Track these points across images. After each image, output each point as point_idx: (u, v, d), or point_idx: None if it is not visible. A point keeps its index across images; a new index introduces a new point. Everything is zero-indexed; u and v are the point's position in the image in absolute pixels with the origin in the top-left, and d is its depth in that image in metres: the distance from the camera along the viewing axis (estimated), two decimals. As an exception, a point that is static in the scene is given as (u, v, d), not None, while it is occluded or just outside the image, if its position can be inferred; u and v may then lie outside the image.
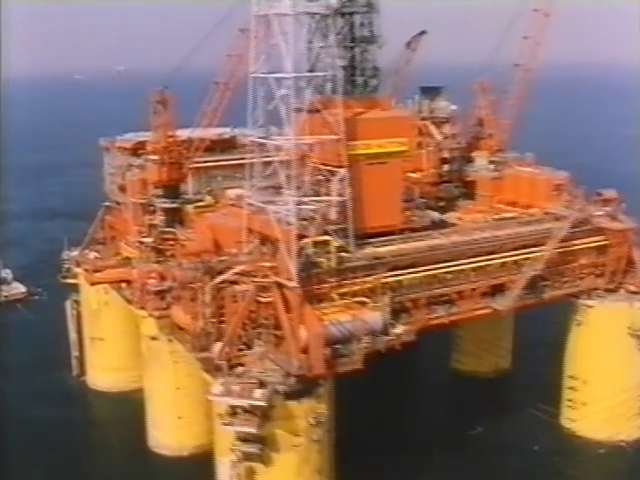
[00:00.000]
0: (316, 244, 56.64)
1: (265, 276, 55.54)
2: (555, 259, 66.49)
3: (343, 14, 61.00)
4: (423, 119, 77.91)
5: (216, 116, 70.82)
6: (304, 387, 54.11)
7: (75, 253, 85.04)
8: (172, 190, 69.19)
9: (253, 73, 57.81)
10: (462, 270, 62.79)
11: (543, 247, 65.48)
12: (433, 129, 77.85)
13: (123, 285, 72.62)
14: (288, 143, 55.50)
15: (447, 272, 62.01)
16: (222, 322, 58.78)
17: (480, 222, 69.92)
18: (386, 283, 58.73)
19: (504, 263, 64.71)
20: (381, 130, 59.91)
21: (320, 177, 58.73)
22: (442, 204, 74.25)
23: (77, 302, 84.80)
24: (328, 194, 58.12)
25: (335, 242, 57.35)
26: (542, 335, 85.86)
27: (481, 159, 78.56)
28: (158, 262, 67.86)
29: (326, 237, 57.06)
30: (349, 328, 55.52)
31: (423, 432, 73.53)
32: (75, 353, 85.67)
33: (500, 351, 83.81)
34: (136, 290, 66.79)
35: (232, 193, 76.87)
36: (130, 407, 78.04)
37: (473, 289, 63.49)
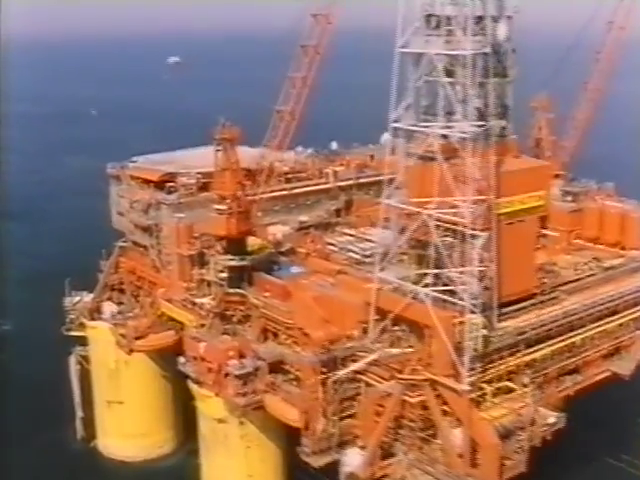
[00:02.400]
0: (460, 324, 47.49)
1: (414, 371, 46.09)
2: (668, 310, 60.26)
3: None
4: None
5: (282, 149, 60.15)
6: (469, 503, 45.65)
7: (78, 298, 72.24)
8: (238, 244, 57.70)
9: (395, 122, 47.28)
10: (589, 334, 55.72)
11: (661, 299, 59.16)
12: None
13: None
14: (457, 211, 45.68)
15: (579, 339, 54.73)
16: (343, 419, 49.35)
17: (582, 268, 62.24)
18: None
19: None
20: (523, 184, 50.93)
21: (452, 240, 49.07)
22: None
23: (84, 357, 72.09)
24: (468, 262, 48.77)
25: (478, 320, 48.43)
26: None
27: (551, 187, 70.73)
28: (226, 332, 56.87)
29: (471, 315, 48.01)
30: (508, 426, 47.09)
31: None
32: (80, 414, 73.00)
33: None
34: (207, 371, 55.19)
35: (276, 230, 66.70)
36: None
37: (597, 353, 56.60)
